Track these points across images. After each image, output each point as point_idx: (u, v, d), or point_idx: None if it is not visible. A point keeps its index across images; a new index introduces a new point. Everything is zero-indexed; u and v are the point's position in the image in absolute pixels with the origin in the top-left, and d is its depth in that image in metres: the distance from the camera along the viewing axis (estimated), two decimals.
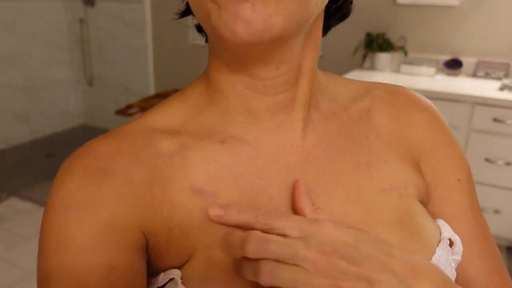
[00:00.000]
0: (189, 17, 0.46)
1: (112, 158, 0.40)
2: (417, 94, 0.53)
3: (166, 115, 0.44)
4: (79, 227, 0.37)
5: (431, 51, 2.72)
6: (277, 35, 0.34)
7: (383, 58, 2.69)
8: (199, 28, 0.47)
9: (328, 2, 0.40)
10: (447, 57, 2.66)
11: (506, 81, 2.32)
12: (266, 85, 0.40)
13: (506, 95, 2.17)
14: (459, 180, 0.50)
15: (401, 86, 0.53)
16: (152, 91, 3.67)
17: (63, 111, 4.03)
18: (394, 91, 0.52)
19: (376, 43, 2.69)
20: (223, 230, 0.37)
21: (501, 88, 2.28)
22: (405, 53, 2.68)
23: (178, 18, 0.47)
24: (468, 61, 2.62)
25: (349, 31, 2.81)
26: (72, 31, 3.92)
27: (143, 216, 0.39)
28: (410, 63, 2.65)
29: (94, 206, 0.37)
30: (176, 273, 0.39)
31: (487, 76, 2.55)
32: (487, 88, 2.27)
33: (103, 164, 0.39)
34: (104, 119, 4.01)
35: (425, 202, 0.48)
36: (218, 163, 0.41)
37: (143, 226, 0.39)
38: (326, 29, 0.47)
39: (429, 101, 0.53)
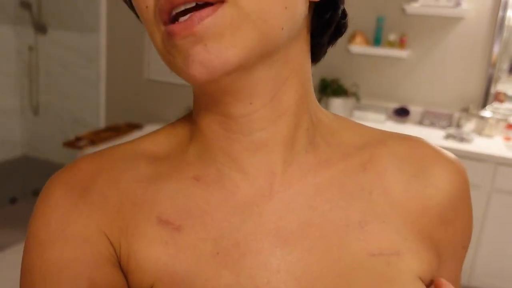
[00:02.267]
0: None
1: (92, 176, 0.41)
2: (444, 151, 0.45)
3: (154, 142, 0.44)
4: (58, 243, 0.38)
5: (381, 99, 2.86)
6: (234, 67, 0.33)
7: (337, 103, 2.78)
8: None
9: (313, 21, 0.39)
10: (396, 105, 2.80)
11: (451, 131, 2.47)
12: (240, 123, 0.38)
13: (451, 144, 2.30)
14: (463, 247, 0.46)
15: (427, 142, 0.46)
16: (102, 123, 3.56)
17: (4, 140, 3.81)
18: (419, 147, 0.45)
19: (330, 89, 2.79)
20: (182, 269, 0.37)
21: (446, 137, 2.41)
22: (358, 99, 2.79)
23: None
24: (415, 110, 2.77)
25: None
26: (20, 58, 3.77)
27: (112, 234, 0.39)
28: (362, 109, 2.76)
29: (69, 223, 0.38)
30: None
31: (432, 125, 2.70)
32: (434, 137, 2.41)
33: (81, 183, 0.40)
34: (48, 150, 3.83)
35: (428, 277, 0.42)
36: (189, 199, 0.40)
37: (113, 243, 0.39)
38: (317, 50, 0.43)
39: (459, 162, 0.45)
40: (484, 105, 2.70)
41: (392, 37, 2.77)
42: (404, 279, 0.39)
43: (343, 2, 0.42)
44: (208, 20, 0.31)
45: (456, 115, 2.69)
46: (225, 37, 0.31)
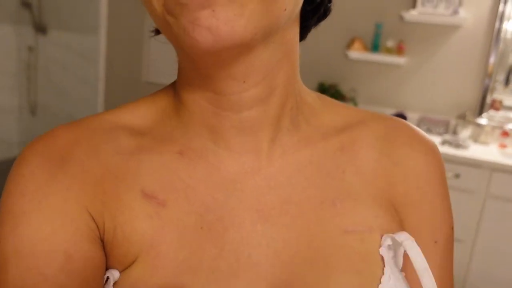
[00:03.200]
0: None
1: (70, 146, 0.39)
2: (422, 134, 0.46)
3: (135, 114, 0.43)
4: (33, 215, 0.36)
5: (379, 104, 2.88)
6: (242, 40, 0.31)
7: None
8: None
9: (304, 3, 0.39)
10: (393, 111, 2.82)
11: (447, 137, 2.49)
12: (231, 101, 0.37)
13: (447, 150, 2.32)
14: (436, 242, 0.45)
15: (406, 123, 0.47)
16: None
17: (1, 139, 3.80)
18: (396, 127, 0.46)
19: (328, 93, 2.81)
20: (166, 242, 0.37)
21: (443, 143, 2.43)
22: (355, 104, 2.81)
23: (155, 35, 0.44)
24: (412, 116, 2.79)
25: (303, 80, 2.92)
26: (21, 58, 3.77)
27: (94, 208, 0.38)
28: None
29: (47, 195, 0.37)
30: (114, 275, 0.38)
31: (428, 131, 2.72)
32: None
33: (59, 152, 0.39)
34: None
35: None
36: (173, 173, 0.40)
37: (94, 218, 0.38)
38: (304, 32, 0.44)
39: (434, 145, 0.46)
40: (480, 112, 2.72)
41: (390, 43, 2.79)
42: (377, 255, 0.40)
43: None
44: None
45: (453, 121, 2.72)
46: (235, 4, 0.30)
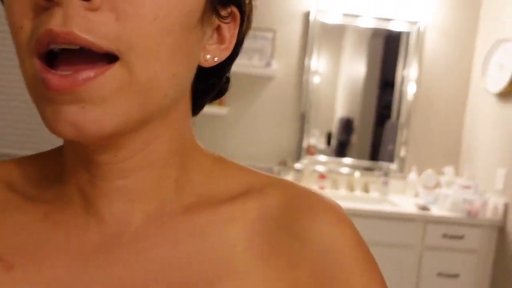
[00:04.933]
0: None
1: None
2: (327, 201, 0.42)
3: (18, 169, 0.41)
4: None
5: None
6: (109, 134, 0.31)
7: None
8: None
9: (198, 78, 0.38)
10: None
11: None
12: (103, 171, 0.36)
13: None
14: None
15: (308, 190, 0.42)
16: None
17: None
18: (296, 195, 0.41)
19: None
20: None
21: None
22: None
23: None
24: None
25: None
26: None
27: None
28: None
29: None
30: None
31: None
32: None
33: None
34: None
35: None
36: (31, 235, 0.37)
37: None
38: (198, 107, 0.43)
39: (342, 213, 0.41)
40: (298, 158, 2.87)
41: None
42: None
43: (229, 70, 0.43)
44: (95, 82, 0.29)
45: (276, 168, 2.79)
46: (107, 102, 0.30)
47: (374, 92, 3.04)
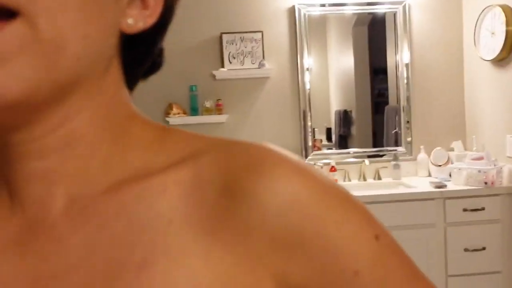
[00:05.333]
0: None
1: None
2: (276, 153, 0.35)
3: None
4: None
5: None
6: (15, 103, 0.28)
7: None
8: None
9: (125, 51, 0.36)
10: None
11: None
12: (18, 152, 0.33)
13: None
14: (356, 271, 0.34)
15: (252, 144, 0.36)
16: None
17: None
18: (235, 154, 0.35)
19: None
20: None
21: None
22: None
23: None
24: None
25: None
26: None
27: None
28: None
29: None
30: None
31: None
32: None
33: None
34: None
35: None
36: None
37: None
38: (131, 83, 0.40)
39: (297, 166, 0.34)
40: (306, 155, 2.83)
41: (208, 103, 2.76)
42: None
43: (160, 40, 0.40)
44: None
45: None
46: (9, 63, 0.27)
47: (367, 80, 3.03)
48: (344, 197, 0.35)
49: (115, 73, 0.36)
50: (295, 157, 0.36)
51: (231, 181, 0.33)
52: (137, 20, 0.35)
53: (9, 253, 0.34)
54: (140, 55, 0.39)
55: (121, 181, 0.35)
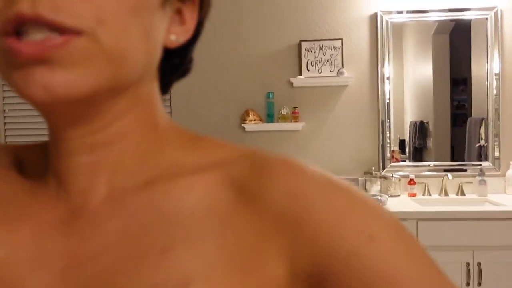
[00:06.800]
0: None
1: None
2: (281, 156, 0.40)
3: (26, 150, 0.45)
4: None
5: None
6: (79, 98, 0.33)
7: None
8: None
9: (164, 59, 0.41)
10: None
11: None
12: (70, 145, 0.38)
13: None
14: (371, 235, 0.36)
15: (276, 155, 0.41)
16: None
17: None
18: (260, 161, 0.40)
19: None
20: None
21: None
22: None
23: None
24: None
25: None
26: None
27: None
28: None
29: None
30: None
31: None
32: None
33: None
34: None
35: None
36: (13, 203, 0.40)
37: None
38: (166, 86, 0.46)
39: (295, 163, 0.39)
40: (383, 166, 2.74)
41: (284, 111, 2.74)
42: None
43: (192, 51, 0.45)
44: (64, 49, 0.31)
45: (361, 179, 2.68)
46: (76, 67, 0.31)
47: (447, 90, 2.89)
48: (341, 189, 0.39)
49: (154, 81, 0.41)
50: (318, 168, 0.40)
51: (252, 184, 0.39)
52: (179, 36, 0.41)
53: (54, 233, 0.39)
54: (175, 65, 0.44)
55: (155, 176, 0.40)
